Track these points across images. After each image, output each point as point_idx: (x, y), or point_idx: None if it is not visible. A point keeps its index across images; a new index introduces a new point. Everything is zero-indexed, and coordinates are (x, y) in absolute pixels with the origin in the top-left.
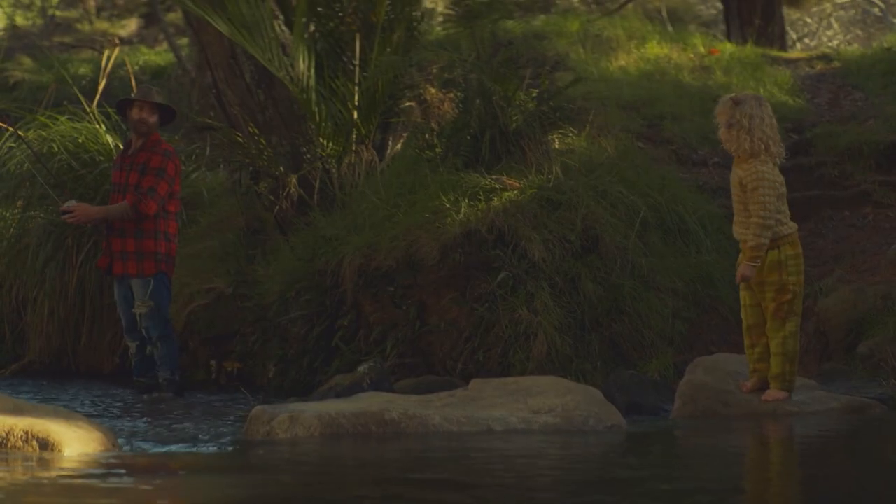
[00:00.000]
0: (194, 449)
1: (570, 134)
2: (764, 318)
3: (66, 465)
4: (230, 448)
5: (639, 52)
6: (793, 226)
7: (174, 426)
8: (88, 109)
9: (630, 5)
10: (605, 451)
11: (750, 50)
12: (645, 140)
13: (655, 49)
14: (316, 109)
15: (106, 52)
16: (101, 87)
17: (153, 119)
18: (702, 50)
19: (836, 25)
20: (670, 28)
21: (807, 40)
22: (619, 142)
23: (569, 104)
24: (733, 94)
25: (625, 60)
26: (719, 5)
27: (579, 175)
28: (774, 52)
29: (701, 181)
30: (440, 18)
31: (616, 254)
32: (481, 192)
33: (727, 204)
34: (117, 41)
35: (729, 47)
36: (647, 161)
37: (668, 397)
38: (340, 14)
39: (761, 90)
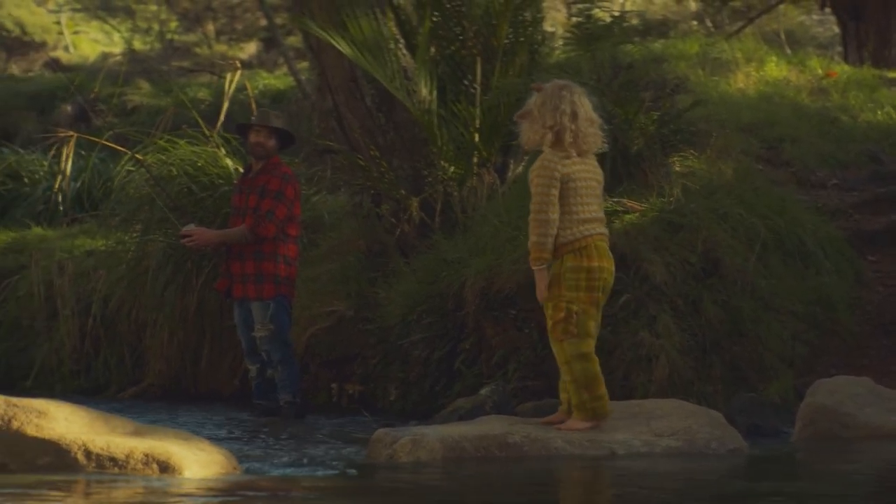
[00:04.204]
0: (316, 472)
1: (691, 156)
2: None
3: (186, 487)
4: (352, 471)
5: (758, 75)
6: (582, 231)
7: (295, 449)
8: (208, 133)
9: (748, 28)
10: (728, 475)
11: (867, 71)
12: (764, 162)
13: (774, 71)
14: (438, 133)
15: (227, 76)
16: (224, 110)
17: (271, 143)
18: (819, 72)
19: None
20: (788, 50)
21: None
22: (738, 164)
23: (689, 127)
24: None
25: (744, 83)
26: (836, 28)
27: (700, 197)
28: (892, 74)
29: (820, 203)
30: (561, 42)
31: (736, 276)
32: None
33: (846, 226)
34: (238, 64)
35: (846, 69)
36: (767, 183)
37: (789, 420)
38: (461, 38)
39: (878, 112)
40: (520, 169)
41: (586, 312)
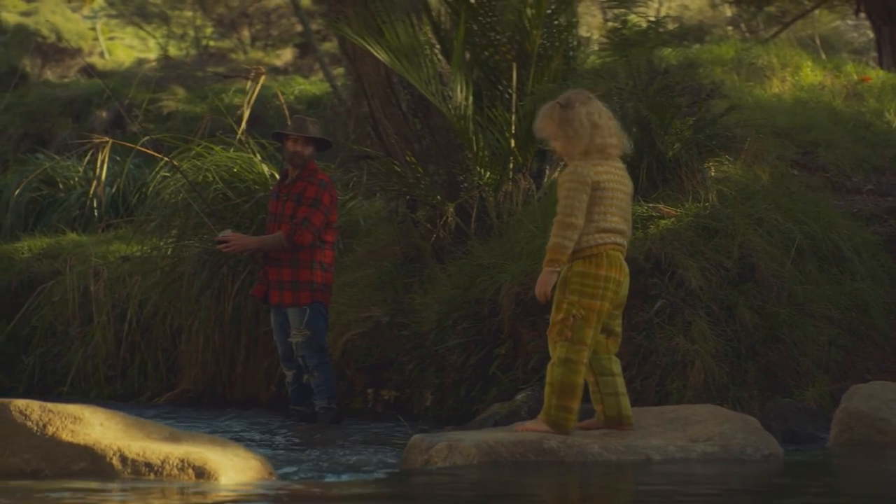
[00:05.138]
0: (351, 478)
1: (726, 161)
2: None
3: (222, 493)
4: (388, 477)
5: (793, 80)
6: (596, 239)
7: (331, 455)
8: (241, 138)
9: (783, 33)
10: (764, 480)
11: None
12: (799, 167)
13: (809, 76)
14: (473, 138)
15: (248, 82)
16: (245, 117)
17: (308, 151)
18: (854, 77)
19: None
20: (823, 55)
21: None
22: (773, 169)
23: (724, 132)
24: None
25: (779, 88)
26: (871, 33)
27: (735, 203)
28: None
29: (855, 208)
30: (596, 47)
31: (772, 281)
32: (638, 220)
33: (882, 231)
34: (262, 70)
35: (881, 74)
36: (802, 188)
37: (825, 425)
38: (496, 43)
39: None
40: (556, 174)
41: (585, 319)
